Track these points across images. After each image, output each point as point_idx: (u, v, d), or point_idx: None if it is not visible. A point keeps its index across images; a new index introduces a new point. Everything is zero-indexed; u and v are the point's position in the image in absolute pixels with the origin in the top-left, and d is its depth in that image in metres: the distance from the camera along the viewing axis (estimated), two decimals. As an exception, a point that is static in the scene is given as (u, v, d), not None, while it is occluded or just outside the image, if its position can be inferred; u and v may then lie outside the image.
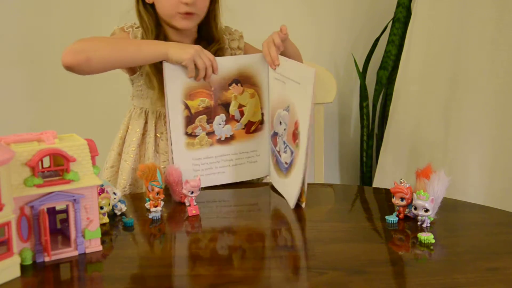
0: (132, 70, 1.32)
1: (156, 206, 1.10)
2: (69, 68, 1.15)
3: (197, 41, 1.36)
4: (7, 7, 1.93)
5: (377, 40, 1.95)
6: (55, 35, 1.96)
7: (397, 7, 1.91)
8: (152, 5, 1.28)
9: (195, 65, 1.17)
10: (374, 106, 2.01)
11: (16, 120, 2.01)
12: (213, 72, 1.20)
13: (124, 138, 1.36)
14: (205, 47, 1.33)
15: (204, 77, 1.20)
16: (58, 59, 2.01)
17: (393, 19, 1.91)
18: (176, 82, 1.19)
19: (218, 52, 1.32)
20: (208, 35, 1.34)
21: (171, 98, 1.19)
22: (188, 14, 1.25)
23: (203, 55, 1.18)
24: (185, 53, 1.16)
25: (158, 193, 1.10)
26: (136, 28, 1.29)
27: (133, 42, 1.23)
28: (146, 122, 1.33)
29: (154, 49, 1.18)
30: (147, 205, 1.11)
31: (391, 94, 1.86)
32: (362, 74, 1.97)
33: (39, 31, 1.96)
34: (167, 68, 1.17)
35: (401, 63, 1.76)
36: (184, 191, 1.12)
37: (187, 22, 1.27)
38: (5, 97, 1.99)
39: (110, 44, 1.19)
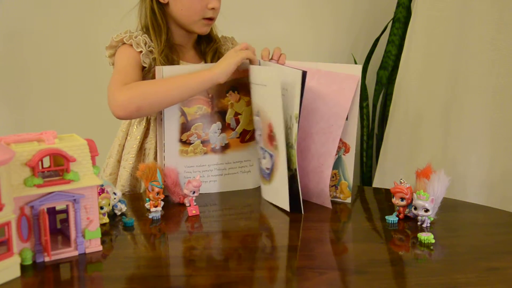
0: None
1: (156, 206, 1.10)
2: (122, 119, 1.21)
3: (196, 42, 1.37)
4: (9, 6, 1.93)
5: (377, 40, 1.95)
6: (55, 36, 1.96)
7: (397, 7, 1.91)
8: (162, 6, 1.28)
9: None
10: (374, 106, 2.01)
11: (16, 120, 2.01)
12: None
13: (123, 145, 1.35)
14: (205, 47, 1.34)
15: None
16: (58, 59, 2.02)
17: (393, 19, 1.91)
18: None
19: (218, 50, 1.34)
20: (206, 36, 1.35)
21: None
22: (211, 20, 1.28)
23: (241, 50, 1.18)
24: (231, 57, 1.16)
25: (158, 193, 1.10)
26: (135, 37, 1.26)
27: (179, 78, 1.17)
28: (147, 129, 1.33)
29: (201, 76, 1.16)
30: (147, 205, 1.11)
31: (391, 94, 1.86)
32: (362, 74, 1.97)
33: (39, 31, 1.96)
34: (165, 72, 1.16)
35: (401, 63, 1.76)
36: (186, 191, 1.12)
37: (207, 28, 1.30)
38: (5, 97, 1.99)
39: (156, 88, 1.16)
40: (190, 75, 1.16)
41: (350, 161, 1.16)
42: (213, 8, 1.26)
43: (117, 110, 1.15)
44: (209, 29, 1.30)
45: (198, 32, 1.30)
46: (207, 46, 1.34)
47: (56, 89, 2.01)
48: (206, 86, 1.16)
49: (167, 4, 1.27)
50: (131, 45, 1.24)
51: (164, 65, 1.22)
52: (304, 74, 1.05)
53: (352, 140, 1.15)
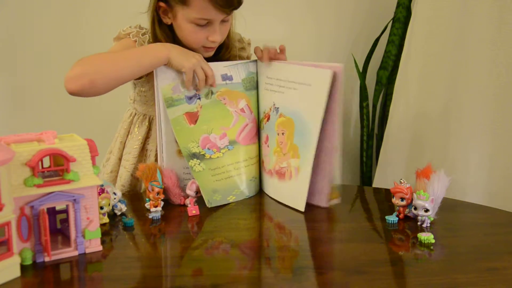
0: None
1: (156, 206, 1.10)
2: (74, 94, 1.11)
3: None
4: (9, 6, 1.93)
5: (377, 40, 1.95)
6: (56, 35, 1.96)
7: (397, 7, 1.91)
8: (168, 26, 1.24)
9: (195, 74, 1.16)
10: (374, 106, 2.01)
11: (16, 120, 2.01)
12: (212, 85, 1.18)
13: (124, 143, 1.34)
14: (216, 54, 1.29)
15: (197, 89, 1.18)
16: (58, 58, 2.02)
17: (393, 19, 1.91)
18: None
19: (229, 59, 1.30)
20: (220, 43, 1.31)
21: (164, 103, 1.16)
22: (212, 48, 1.24)
23: (204, 66, 1.16)
24: (187, 61, 1.14)
25: (158, 193, 1.10)
26: (142, 35, 1.24)
27: (133, 54, 1.17)
28: (149, 129, 1.32)
29: (155, 56, 1.14)
30: (147, 205, 1.11)
31: (391, 94, 1.86)
32: (362, 74, 1.97)
33: (40, 31, 1.96)
34: (159, 71, 1.15)
35: (401, 63, 1.76)
36: (189, 192, 1.12)
37: (210, 53, 1.25)
38: (5, 97, 1.99)
39: (110, 61, 1.14)
40: (146, 52, 1.15)
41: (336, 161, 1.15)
42: (213, 41, 1.21)
43: (69, 83, 1.09)
44: (211, 53, 1.25)
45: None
46: (219, 54, 1.30)
47: (56, 89, 2.00)
48: (158, 66, 1.14)
49: (171, 24, 1.23)
50: (135, 42, 1.24)
51: None
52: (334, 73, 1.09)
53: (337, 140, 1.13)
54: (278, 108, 1.19)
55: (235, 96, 1.22)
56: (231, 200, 1.18)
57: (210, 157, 1.17)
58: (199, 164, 1.15)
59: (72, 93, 1.11)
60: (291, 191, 1.16)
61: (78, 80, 1.09)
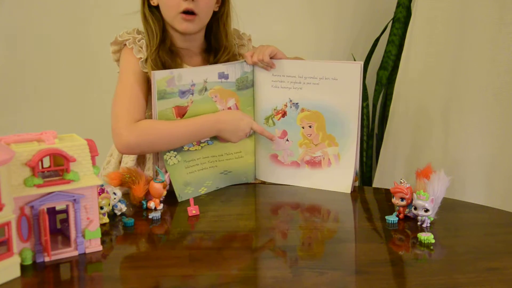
0: None
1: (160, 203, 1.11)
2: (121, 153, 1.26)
3: (206, 50, 1.32)
4: (9, 7, 1.93)
5: (377, 40, 1.94)
6: (55, 35, 1.96)
7: (397, 7, 1.90)
8: (158, 9, 1.25)
9: None
10: (374, 106, 2.01)
11: (16, 120, 2.01)
12: None
13: None
14: (215, 56, 1.30)
15: None
16: (59, 59, 2.02)
17: (393, 19, 1.91)
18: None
19: (229, 61, 1.29)
20: (217, 43, 1.30)
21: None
22: (189, 15, 1.20)
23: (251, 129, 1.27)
24: (236, 137, 1.25)
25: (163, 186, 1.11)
26: (138, 40, 1.24)
27: (189, 131, 1.20)
28: None
29: (206, 133, 1.22)
30: (152, 204, 1.10)
31: (391, 94, 1.86)
32: (362, 74, 1.97)
33: (39, 31, 1.96)
34: (156, 76, 1.15)
35: (401, 63, 1.76)
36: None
37: (188, 24, 1.22)
38: (5, 97, 1.99)
39: (165, 139, 1.17)
40: (200, 129, 1.21)
41: None
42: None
43: (122, 148, 1.19)
44: (191, 26, 1.23)
45: (180, 30, 1.23)
46: (218, 56, 1.30)
47: (56, 89, 2.00)
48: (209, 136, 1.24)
49: (158, 6, 1.24)
50: (132, 49, 1.23)
51: (155, 69, 1.18)
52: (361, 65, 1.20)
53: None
54: (297, 103, 1.24)
55: (226, 95, 1.25)
56: (202, 192, 1.22)
57: (188, 149, 1.21)
58: (174, 157, 1.19)
59: (121, 153, 1.26)
60: (333, 176, 1.24)
61: (132, 149, 1.20)
